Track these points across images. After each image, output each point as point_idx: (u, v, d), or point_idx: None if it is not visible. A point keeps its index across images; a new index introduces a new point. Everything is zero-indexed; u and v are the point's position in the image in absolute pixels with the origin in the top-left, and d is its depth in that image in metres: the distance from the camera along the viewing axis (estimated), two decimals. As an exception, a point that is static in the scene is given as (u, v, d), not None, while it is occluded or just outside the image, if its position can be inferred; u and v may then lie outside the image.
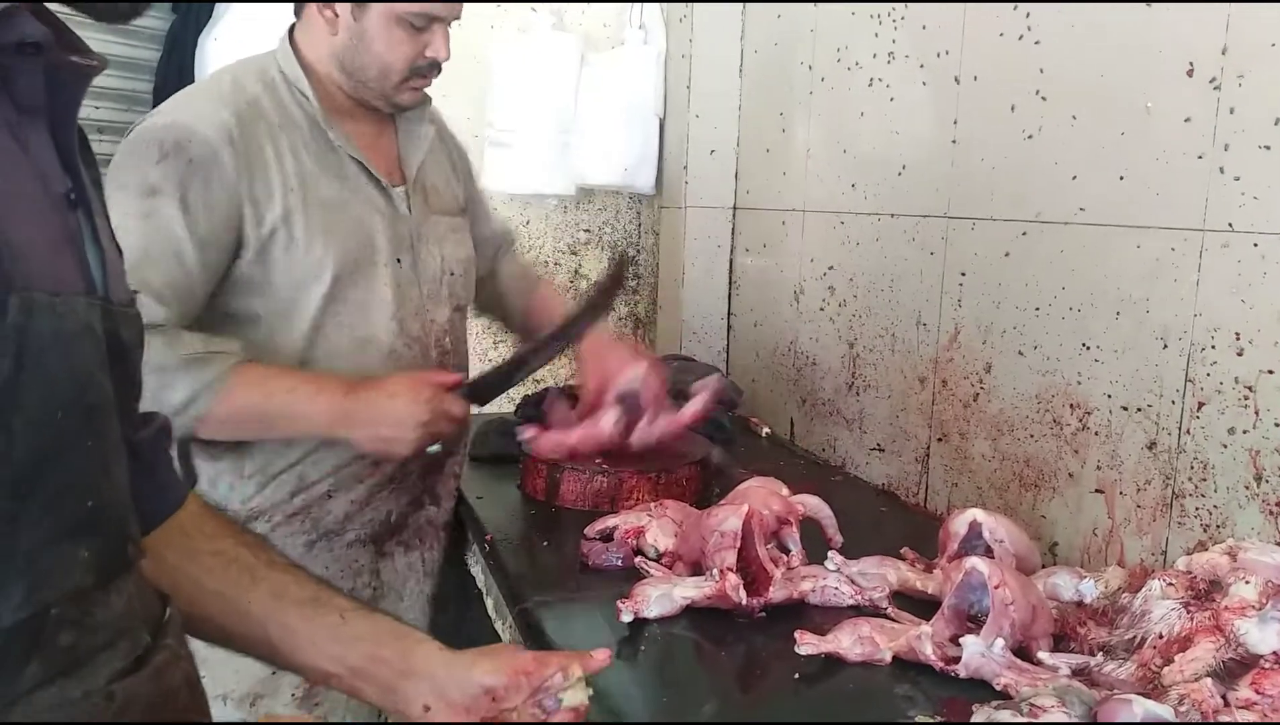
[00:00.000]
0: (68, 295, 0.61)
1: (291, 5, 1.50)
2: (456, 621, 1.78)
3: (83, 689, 0.62)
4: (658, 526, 1.41)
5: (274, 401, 1.36)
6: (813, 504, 1.40)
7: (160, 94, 2.51)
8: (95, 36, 0.74)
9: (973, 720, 0.95)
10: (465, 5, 1.48)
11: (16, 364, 0.56)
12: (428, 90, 1.55)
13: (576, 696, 0.91)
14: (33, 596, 0.58)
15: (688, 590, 1.22)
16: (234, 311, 1.42)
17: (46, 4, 0.64)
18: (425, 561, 1.63)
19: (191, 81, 2.43)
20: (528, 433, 1.63)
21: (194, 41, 2.46)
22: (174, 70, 2.49)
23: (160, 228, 1.30)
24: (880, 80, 1.87)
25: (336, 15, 1.43)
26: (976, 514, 1.28)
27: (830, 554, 1.34)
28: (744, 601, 1.20)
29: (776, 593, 1.22)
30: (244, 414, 1.34)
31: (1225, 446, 1.18)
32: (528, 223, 2.85)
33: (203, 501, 0.91)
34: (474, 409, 1.54)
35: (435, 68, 1.49)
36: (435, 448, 1.46)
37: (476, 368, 1.73)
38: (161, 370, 1.24)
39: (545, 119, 2.63)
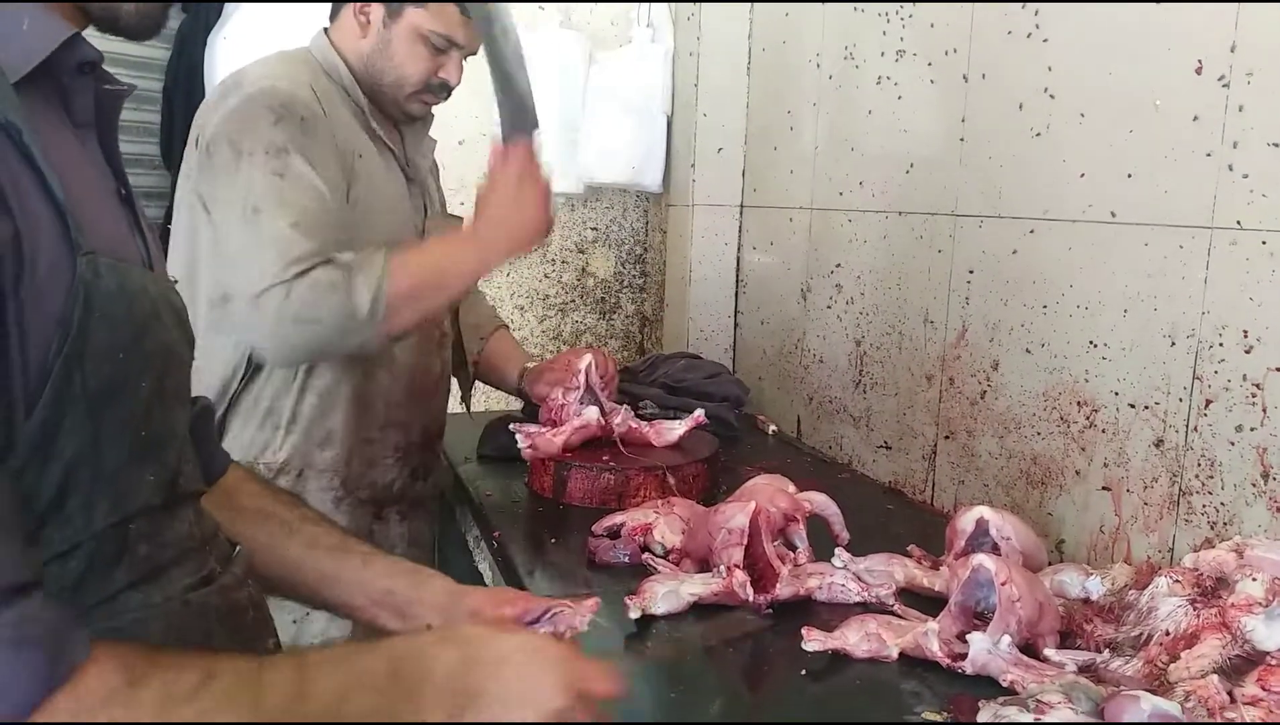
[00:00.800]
0: (128, 263, 0.74)
1: (297, 5, 1.63)
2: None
3: (163, 595, 0.75)
4: (665, 523, 1.42)
5: (430, 262, 1.47)
6: (819, 501, 1.40)
7: (170, 93, 2.53)
8: (104, 35, 0.80)
9: (980, 717, 0.95)
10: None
11: (86, 312, 0.67)
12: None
13: None
14: (116, 507, 0.71)
15: (695, 587, 1.23)
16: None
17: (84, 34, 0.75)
18: (415, 533, 1.72)
19: (201, 81, 2.44)
20: (524, 442, 1.70)
21: (204, 40, 2.47)
22: (184, 69, 2.51)
23: (299, 178, 1.41)
24: (888, 78, 1.87)
25: (369, 21, 1.56)
26: (984, 511, 1.28)
27: (837, 551, 1.34)
28: (751, 598, 1.20)
29: (783, 589, 1.23)
30: (418, 284, 1.43)
31: (1233, 444, 1.18)
32: (553, 221, 2.85)
33: (243, 468, 1.05)
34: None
35: (445, 89, 1.62)
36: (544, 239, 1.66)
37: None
38: (335, 287, 1.35)
39: (553, 117, 2.63)
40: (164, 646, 0.68)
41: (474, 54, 1.62)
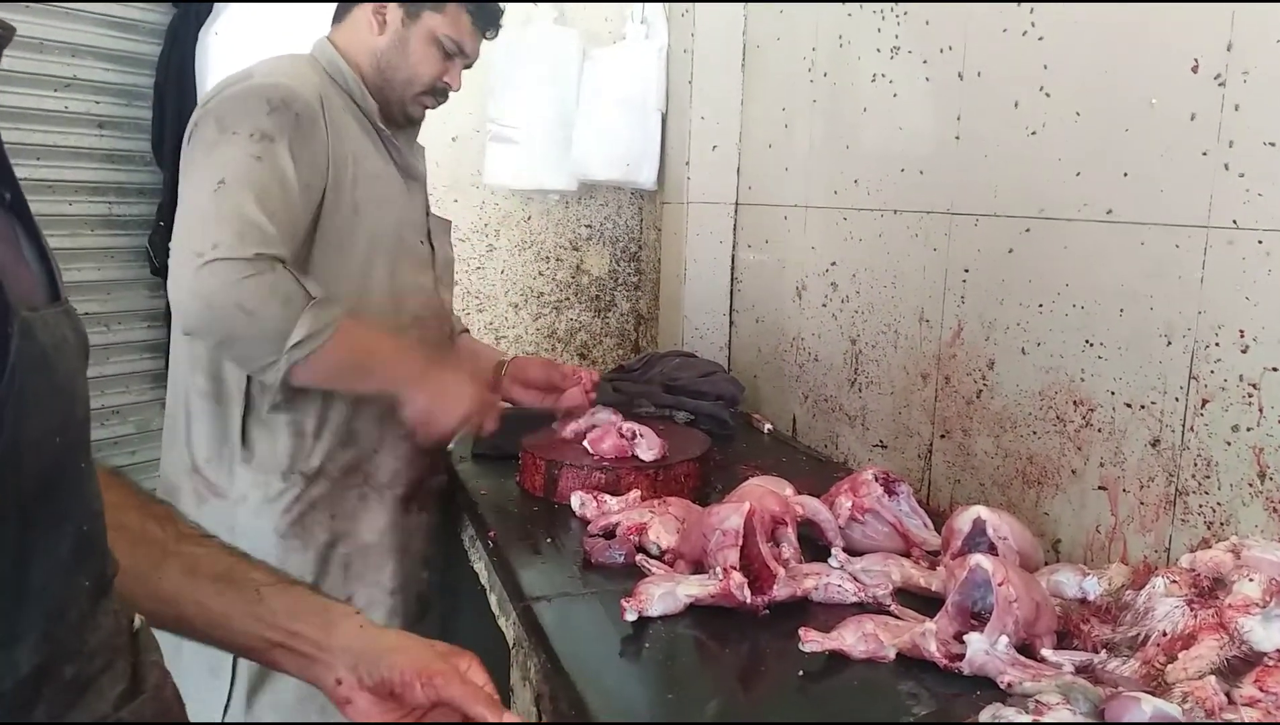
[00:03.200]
0: (42, 309, 0.56)
1: (296, 4, 1.68)
2: (449, 613, 1.81)
3: (94, 716, 0.60)
4: (660, 523, 1.41)
5: (371, 353, 1.47)
6: (812, 507, 1.40)
7: (161, 89, 2.51)
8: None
9: (979, 718, 0.95)
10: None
11: (20, 398, 0.52)
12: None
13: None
14: (47, 636, 0.55)
15: (691, 588, 1.22)
16: (301, 264, 1.51)
17: None
18: (427, 525, 1.77)
19: (192, 77, 2.43)
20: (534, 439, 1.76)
21: (194, 36, 2.45)
22: (175, 65, 2.49)
23: (276, 169, 1.40)
24: (883, 76, 1.87)
25: (386, 20, 1.61)
26: (980, 511, 1.28)
27: (834, 551, 1.34)
28: (748, 600, 1.20)
29: (780, 590, 1.22)
30: (346, 360, 1.44)
31: (1229, 444, 1.18)
32: (529, 218, 2.85)
33: (111, 471, 0.82)
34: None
35: (444, 94, 1.68)
36: (452, 443, 1.66)
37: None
38: (288, 302, 1.35)
39: (547, 114, 2.63)
40: None
41: (470, 66, 1.69)
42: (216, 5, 2.45)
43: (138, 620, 0.69)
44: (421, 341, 1.65)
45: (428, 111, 1.72)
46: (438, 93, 1.67)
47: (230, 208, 1.35)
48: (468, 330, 2.07)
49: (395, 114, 1.67)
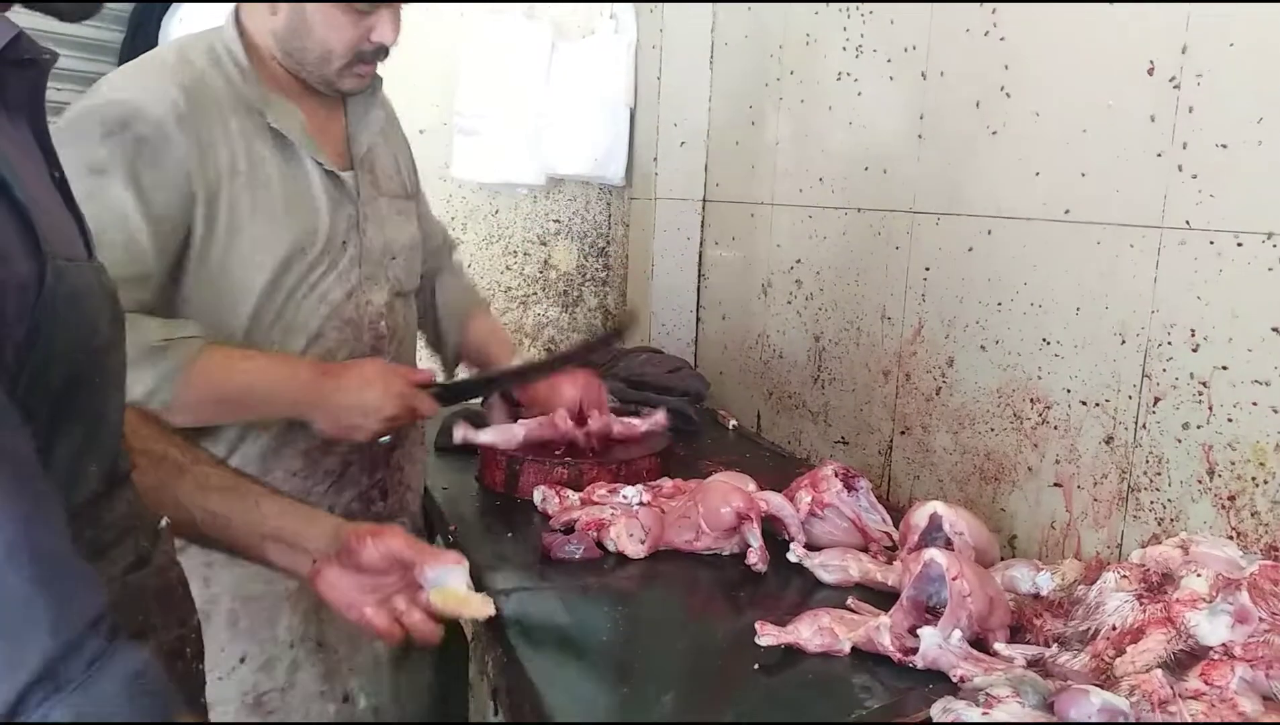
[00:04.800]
0: (78, 261, 0.72)
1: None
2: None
3: (105, 577, 0.73)
4: (624, 527, 1.40)
5: (240, 384, 1.33)
6: (775, 502, 1.41)
7: (123, 76, 2.47)
8: (58, 19, 0.79)
9: (931, 711, 0.96)
10: None
11: (52, 323, 0.67)
12: (380, 74, 1.50)
13: (476, 607, 1.07)
14: (65, 500, 0.69)
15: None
16: (173, 295, 1.36)
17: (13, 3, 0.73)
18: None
19: (155, 64, 2.39)
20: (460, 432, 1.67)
21: (157, 23, 2.42)
22: (137, 52, 2.43)
23: (109, 208, 1.24)
24: (848, 74, 1.88)
25: None
26: (937, 507, 1.29)
27: (793, 546, 1.35)
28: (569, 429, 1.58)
29: (594, 424, 1.62)
30: (210, 398, 1.31)
31: (1179, 441, 1.20)
32: (497, 212, 2.84)
33: (136, 410, 1.01)
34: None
35: (381, 52, 1.42)
36: (386, 438, 1.46)
37: (423, 353, 1.76)
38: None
39: (515, 107, 2.61)
40: None
41: (403, 3, 1.42)
42: (179, -7, 2.41)
43: (163, 521, 0.88)
44: (326, 358, 1.44)
45: (394, 101, 1.59)
46: (367, 57, 1.41)
47: None
48: (486, 304, 1.89)
49: (325, 91, 1.45)
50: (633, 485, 1.55)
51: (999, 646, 1.08)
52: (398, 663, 1.59)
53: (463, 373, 1.81)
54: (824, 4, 1.96)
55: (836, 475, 1.43)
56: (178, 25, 2.39)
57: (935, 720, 0.94)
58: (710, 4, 2.50)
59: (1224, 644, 0.95)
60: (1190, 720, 0.87)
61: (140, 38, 2.46)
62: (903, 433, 1.73)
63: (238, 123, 1.36)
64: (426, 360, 1.81)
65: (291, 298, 1.41)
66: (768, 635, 1.11)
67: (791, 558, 1.34)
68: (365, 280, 1.49)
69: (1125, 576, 1.08)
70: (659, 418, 1.80)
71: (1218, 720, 0.88)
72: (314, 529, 1.06)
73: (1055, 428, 1.38)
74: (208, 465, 1.05)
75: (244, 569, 1.36)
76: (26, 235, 0.65)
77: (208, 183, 1.32)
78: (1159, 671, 0.94)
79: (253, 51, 1.41)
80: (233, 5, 1.45)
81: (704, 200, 2.57)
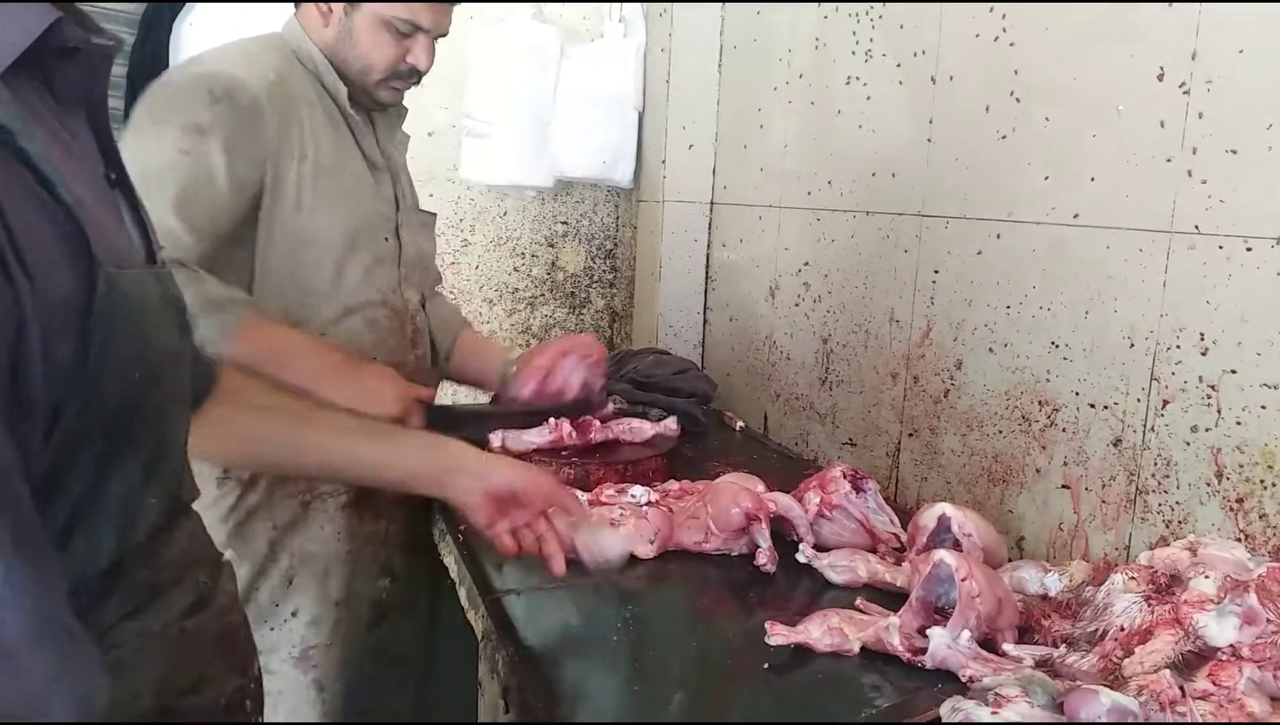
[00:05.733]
0: (130, 269, 0.67)
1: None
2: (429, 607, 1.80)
3: (160, 623, 0.70)
4: (635, 528, 1.40)
5: (283, 347, 1.42)
6: (784, 502, 1.41)
7: (134, 79, 2.48)
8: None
9: (941, 710, 0.96)
10: None
11: (105, 336, 0.62)
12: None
13: (613, 543, 1.21)
14: (124, 538, 0.66)
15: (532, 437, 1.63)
16: (233, 261, 1.46)
17: None
18: (387, 533, 1.68)
19: (166, 66, 2.41)
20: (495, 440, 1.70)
21: (169, 27, 2.43)
22: (148, 54, 2.47)
23: (202, 165, 1.36)
24: (857, 78, 1.89)
25: (330, 10, 1.53)
26: (945, 508, 1.30)
27: (802, 546, 1.35)
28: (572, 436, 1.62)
29: (596, 436, 1.67)
30: (255, 356, 1.37)
31: (1188, 444, 1.20)
32: (505, 214, 2.85)
33: (236, 369, 1.04)
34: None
35: (415, 75, 1.58)
36: None
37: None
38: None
39: (524, 110, 2.62)
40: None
41: (444, 35, 1.58)
42: (191, -3, 2.43)
43: (227, 553, 0.85)
44: (376, 342, 1.58)
45: (419, 111, 1.67)
46: (404, 76, 1.57)
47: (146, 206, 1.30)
48: (469, 324, 1.96)
49: (363, 100, 1.60)
50: (640, 486, 1.56)
51: (1007, 647, 1.09)
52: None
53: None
54: (833, 7, 1.97)
55: (845, 477, 1.44)
56: (189, 28, 2.40)
57: (944, 720, 0.95)
58: (719, 6, 2.51)
59: (1232, 645, 0.96)
60: (1199, 720, 0.88)
61: (151, 40, 2.47)
62: (910, 435, 1.73)
63: (308, 113, 1.50)
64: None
65: (350, 278, 1.54)
66: (778, 635, 1.11)
67: (800, 558, 1.34)
68: (404, 280, 1.64)
69: (1133, 578, 1.09)
70: (669, 424, 1.82)
71: (1225, 720, 0.88)
72: (454, 460, 1.12)
73: (1064, 430, 1.39)
74: (335, 410, 1.09)
75: (305, 532, 1.55)
76: (72, 242, 0.60)
77: (282, 161, 1.45)
78: (1167, 672, 0.94)
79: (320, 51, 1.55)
80: (290, 11, 1.59)
81: (712, 203, 2.58)
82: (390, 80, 1.57)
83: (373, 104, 1.61)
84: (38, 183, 0.58)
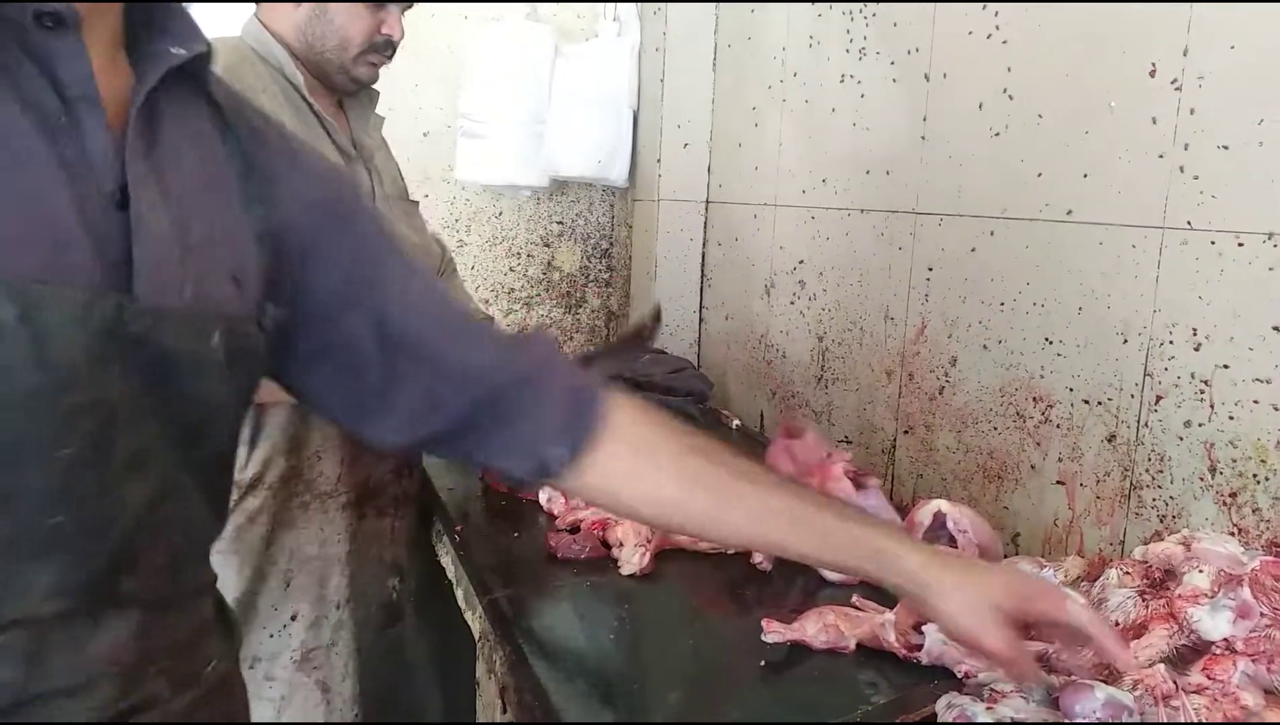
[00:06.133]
0: (55, 286, 0.57)
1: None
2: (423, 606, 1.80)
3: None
4: (631, 529, 1.41)
5: None
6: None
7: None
8: None
9: (937, 707, 0.97)
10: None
11: (7, 353, 0.54)
12: (380, 79, 1.62)
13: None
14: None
15: None
16: None
17: None
18: (394, 530, 1.67)
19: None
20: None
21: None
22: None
23: None
24: (851, 76, 1.89)
25: None
26: (941, 505, 1.30)
27: (797, 544, 1.36)
28: None
29: None
30: None
31: (1181, 439, 1.21)
32: (500, 214, 2.85)
33: (633, 410, 0.88)
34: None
35: (390, 46, 1.58)
36: None
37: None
38: None
39: (519, 110, 2.62)
40: None
41: (410, 7, 1.60)
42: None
43: (213, 664, 0.73)
44: None
45: (396, 100, 1.67)
46: (380, 48, 1.57)
47: None
48: (491, 319, 1.95)
49: (341, 81, 1.58)
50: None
51: (1003, 643, 1.09)
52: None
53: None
54: (826, 5, 1.97)
55: (847, 475, 1.44)
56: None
57: (940, 717, 0.95)
58: (713, 5, 2.51)
59: (1226, 639, 0.96)
60: (1194, 715, 0.88)
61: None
62: (906, 432, 1.74)
63: (269, 104, 1.46)
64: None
65: None
66: (774, 633, 1.12)
67: (796, 556, 1.34)
68: None
69: (1128, 573, 1.09)
70: None
71: (1220, 714, 0.89)
72: (945, 589, 0.87)
73: (1058, 426, 1.39)
74: (748, 483, 0.88)
75: (302, 532, 1.53)
76: None
77: None
78: (1162, 666, 0.95)
79: (281, 44, 1.53)
80: (251, 11, 1.57)
81: (707, 201, 2.58)
82: (367, 54, 1.56)
83: (349, 84, 1.59)
84: None
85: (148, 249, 0.63)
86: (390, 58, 1.60)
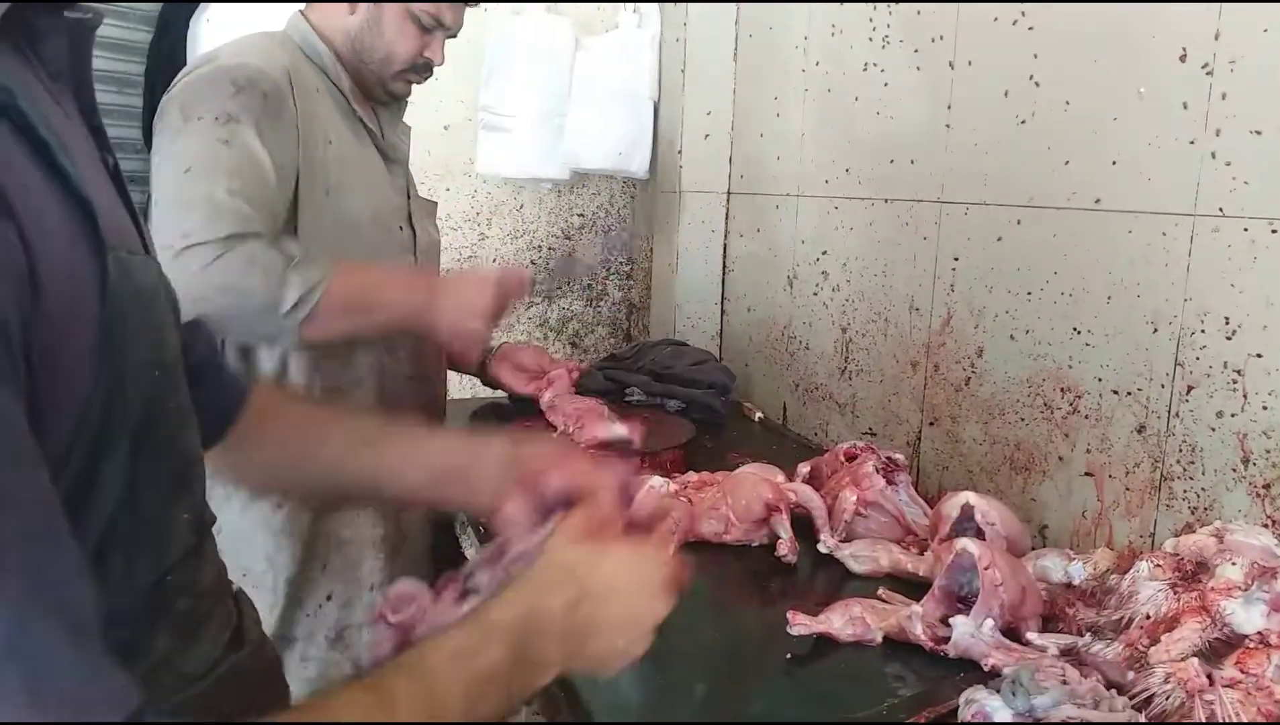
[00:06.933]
0: (139, 255, 0.63)
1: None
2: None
3: (205, 662, 0.66)
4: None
5: (371, 288, 1.45)
6: (805, 494, 1.41)
7: (151, 76, 2.50)
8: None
9: (959, 701, 0.96)
10: None
11: (121, 327, 0.56)
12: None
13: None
14: (160, 556, 0.61)
15: None
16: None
17: None
18: (427, 517, 1.73)
19: (183, 64, 2.41)
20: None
21: (185, 23, 2.44)
22: (165, 52, 2.48)
23: (244, 149, 1.38)
24: (875, 65, 1.87)
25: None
26: (969, 497, 1.29)
27: (822, 536, 1.35)
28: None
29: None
30: (349, 304, 1.41)
31: (1213, 430, 1.19)
32: (521, 207, 2.85)
33: (268, 387, 0.99)
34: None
35: (428, 69, 1.64)
36: (493, 346, 1.88)
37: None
38: (269, 272, 1.32)
39: (538, 102, 2.62)
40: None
41: (454, 36, 1.65)
42: (207, -8, 2.44)
43: (235, 584, 0.79)
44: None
45: (417, 94, 1.69)
46: (419, 69, 1.63)
47: (199, 194, 1.32)
48: None
49: (377, 92, 1.63)
50: (659, 476, 1.56)
51: (1031, 636, 1.08)
52: None
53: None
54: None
55: (878, 471, 1.43)
56: (206, 25, 2.41)
57: (960, 712, 0.94)
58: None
59: (1260, 632, 0.95)
60: (1230, 710, 0.87)
61: (167, 38, 2.49)
62: (931, 423, 1.72)
63: (323, 103, 1.54)
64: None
65: (379, 263, 1.57)
66: (800, 625, 1.11)
67: (822, 549, 1.34)
68: (418, 266, 1.69)
69: (1159, 565, 1.08)
70: (617, 429, 1.76)
71: (1254, 708, 0.87)
72: (484, 458, 0.92)
73: (1086, 417, 1.38)
74: (355, 416, 0.97)
75: (337, 517, 1.58)
76: (76, 215, 0.55)
77: (308, 145, 1.48)
78: (1194, 660, 0.93)
79: (327, 46, 1.59)
80: (297, 8, 1.63)
81: (728, 192, 2.57)
82: (407, 72, 1.61)
83: (384, 95, 1.64)
84: (36, 149, 0.53)
85: (133, 210, 0.70)
86: (427, 78, 1.66)
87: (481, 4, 2.63)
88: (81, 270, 0.53)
